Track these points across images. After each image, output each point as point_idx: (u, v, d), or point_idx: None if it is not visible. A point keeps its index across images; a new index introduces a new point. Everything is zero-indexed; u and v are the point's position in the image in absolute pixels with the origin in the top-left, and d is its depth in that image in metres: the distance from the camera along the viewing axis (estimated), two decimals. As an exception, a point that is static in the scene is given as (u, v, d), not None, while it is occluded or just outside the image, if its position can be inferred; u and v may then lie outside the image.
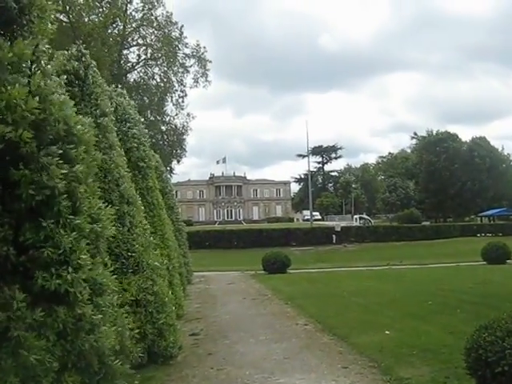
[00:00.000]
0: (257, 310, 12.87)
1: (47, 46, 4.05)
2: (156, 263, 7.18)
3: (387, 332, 9.15)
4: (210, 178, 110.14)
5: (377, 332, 9.19)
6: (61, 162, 3.01)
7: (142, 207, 7.89)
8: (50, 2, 3.39)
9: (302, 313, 11.92)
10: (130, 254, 6.47)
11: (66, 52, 6.42)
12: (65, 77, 3.59)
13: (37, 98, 2.91)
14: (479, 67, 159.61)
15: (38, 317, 2.60)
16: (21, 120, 2.78)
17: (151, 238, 7.66)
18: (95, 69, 6.79)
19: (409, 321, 10.21)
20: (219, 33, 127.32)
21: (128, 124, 9.23)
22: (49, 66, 3.54)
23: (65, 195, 3.03)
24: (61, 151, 3.07)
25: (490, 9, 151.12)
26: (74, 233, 3.01)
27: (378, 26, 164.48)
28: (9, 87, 2.83)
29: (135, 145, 9.41)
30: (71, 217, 3.07)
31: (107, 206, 6.15)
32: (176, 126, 44.28)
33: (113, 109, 7.46)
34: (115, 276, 6.04)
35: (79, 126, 3.42)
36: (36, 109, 2.89)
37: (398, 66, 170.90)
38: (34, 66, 3.15)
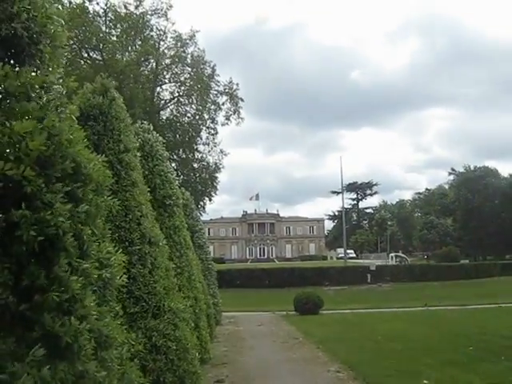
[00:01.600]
0: (286, 354, 12.35)
1: (73, 82, 3.98)
2: (179, 306, 6.92)
3: (425, 382, 8.56)
4: (243, 215, 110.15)
5: (413, 381, 8.65)
6: (66, 201, 2.83)
7: (167, 247, 7.70)
8: (60, 30, 3.28)
9: (334, 358, 11.36)
10: (150, 296, 6.24)
11: (89, 86, 6.40)
12: (75, 107, 3.40)
13: (45, 134, 2.77)
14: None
15: (34, 372, 2.36)
16: (24, 157, 2.61)
17: (175, 280, 7.44)
18: (120, 103, 6.72)
19: (448, 369, 9.55)
20: (249, 69, 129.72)
21: (155, 161, 9.17)
22: (65, 99, 3.43)
23: (71, 234, 2.83)
24: (68, 188, 2.90)
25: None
26: (81, 278, 2.81)
27: (410, 60, 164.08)
28: (13, 122, 2.70)
29: (161, 182, 9.31)
30: (79, 260, 2.88)
31: (128, 246, 6.14)
32: (208, 164, 44.42)
33: (137, 145, 7.36)
34: (134, 320, 5.95)
35: (90, 165, 3.28)
36: (43, 144, 2.76)
37: (432, 101, 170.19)
38: (43, 98, 3.04)
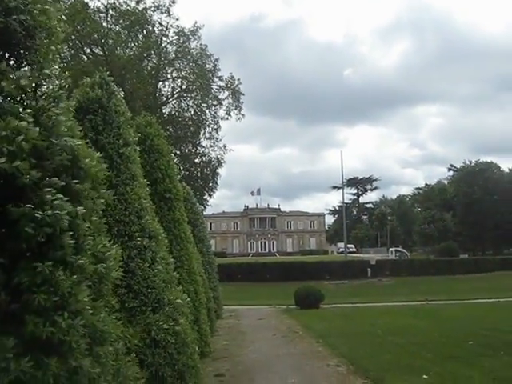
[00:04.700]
0: (287, 348, 12.36)
1: (68, 77, 3.93)
2: (178, 300, 6.89)
3: (425, 376, 8.54)
4: (245, 209, 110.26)
5: (413, 376, 8.60)
6: (64, 198, 2.79)
7: (166, 241, 7.66)
8: (57, 24, 3.24)
9: (334, 352, 11.36)
10: (150, 290, 6.21)
11: (88, 79, 6.35)
12: (73, 103, 3.36)
13: (37, 129, 2.73)
14: (509, 98, 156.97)
15: (26, 368, 2.33)
16: (18, 150, 2.58)
17: (175, 273, 7.41)
18: (119, 97, 6.66)
19: (448, 364, 9.54)
20: (244, 66, 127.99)
21: (155, 155, 9.14)
22: (61, 92, 3.38)
23: (69, 233, 2.79)
24: (63, 183, 2.86)
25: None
26: (75, 276, 2.77)
27: (403, 58, 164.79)
28: (9, 117, 2.67)
29: (162, 176, 9.28)
30: (73, 257, 2.84)
31: (127, 240, 6.11)
32: (210, 159, 44.32)
33: (137, 139, 7.30)
34: (133, 315, 5.92)
35: (87, 160, 3.24)
36: (39, 137, 2.72)
37: (426, 98, 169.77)
38: (37, 91, 3.00)
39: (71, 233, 2.82)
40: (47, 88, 3.29)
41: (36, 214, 2.61)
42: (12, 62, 3.22)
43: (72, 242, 2.81)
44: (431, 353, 10.73)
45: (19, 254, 2.65)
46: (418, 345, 11.87)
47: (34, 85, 3.10)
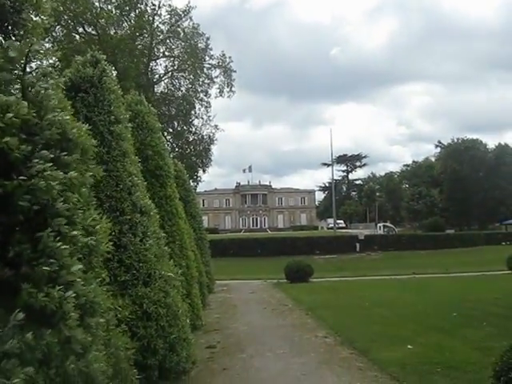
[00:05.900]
0: (276, 320, 12.63)
1: (55, 51, 3.92)
2: (170, 274, 7.01)
3: (410, 346, 8.81)
4: (236, 186, 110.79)
5: (399, 346, 8.85)
6: (54, 168, 2.82)
7: (158, 216, 7.75)
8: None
9: (323, 324, 11.65)
10: (141, 264, 6.32)
11: (80, 58, 6.35)
12: (63, 79, 3.38)
13: (25, 103, 2.77)
14: (494, 76, 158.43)
15: (21, 340, 2.40)
16: (7, 126, 2.61)
17: (166, 248, 7.52)
18: (111, 75, 6.66)
19: (432, 334, 9.84)
20: (234, 46, 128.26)
21: (146, 132, 9.16)
22: (51, 69, 3.39)
23: (61, 203, 2.84)
24: (52, 156, 2.88)
25: (500, 20, 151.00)
26: (69, 246, 2.83)
27: (389, 37, 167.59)
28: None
29: (153, 153, 9.31)
30: (66, 227, 2.88)
31: (119, 215, 6.19)
32: (203, 137, 44.45)
33: (128, 116, 7.32)
34: (125, 288, 6.04)
35: (74, 130, 3.27)
36: (28, 113, 2.75)
37: (412, 77, 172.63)
38: (26, 67, 3.01)
39: (63, 199, 2.87)
40: (36, 64, 3.31)
41: (29, 185, 2.65)
42: (0, 39, 3.22)
43: (66, 207, 2.85)
44: (416, 324, 11.04)
45: (16, 225, 2.69)
46: (404, 316, 12.17)
47: (23, 60, 3.12)
